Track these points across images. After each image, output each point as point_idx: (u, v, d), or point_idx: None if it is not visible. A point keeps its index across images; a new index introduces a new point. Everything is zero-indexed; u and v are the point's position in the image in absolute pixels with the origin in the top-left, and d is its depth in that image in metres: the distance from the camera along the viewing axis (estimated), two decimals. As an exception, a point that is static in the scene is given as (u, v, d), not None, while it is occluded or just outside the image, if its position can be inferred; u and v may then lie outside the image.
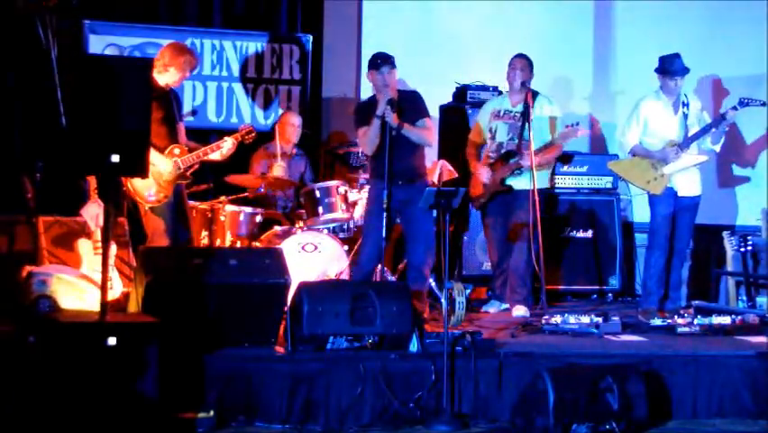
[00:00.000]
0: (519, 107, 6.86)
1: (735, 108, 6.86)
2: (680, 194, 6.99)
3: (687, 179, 7.00)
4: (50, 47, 6.92)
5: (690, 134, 6.93)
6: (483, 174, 6.90)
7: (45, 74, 6.93)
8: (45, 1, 6.67)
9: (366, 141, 6.37)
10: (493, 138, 6.96)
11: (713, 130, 6.93)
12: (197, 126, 7.74)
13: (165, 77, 6.39)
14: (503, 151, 6.87)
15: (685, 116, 6.98)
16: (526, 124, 6.71)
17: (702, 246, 8.21)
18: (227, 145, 6.53)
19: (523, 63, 6.91)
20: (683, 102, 7.01)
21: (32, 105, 7.01)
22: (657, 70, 7.01)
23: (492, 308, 6.99)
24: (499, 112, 6.96)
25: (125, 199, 6.49)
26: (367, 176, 7.04)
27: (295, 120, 7.78)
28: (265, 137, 7.63)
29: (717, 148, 7.17)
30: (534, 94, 6.86)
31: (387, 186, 6.15)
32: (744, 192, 8.62)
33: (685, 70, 6.95)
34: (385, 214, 6.14)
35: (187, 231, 6.55)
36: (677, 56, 6.96)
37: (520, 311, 6.76)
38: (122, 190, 6.30)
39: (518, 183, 6.80)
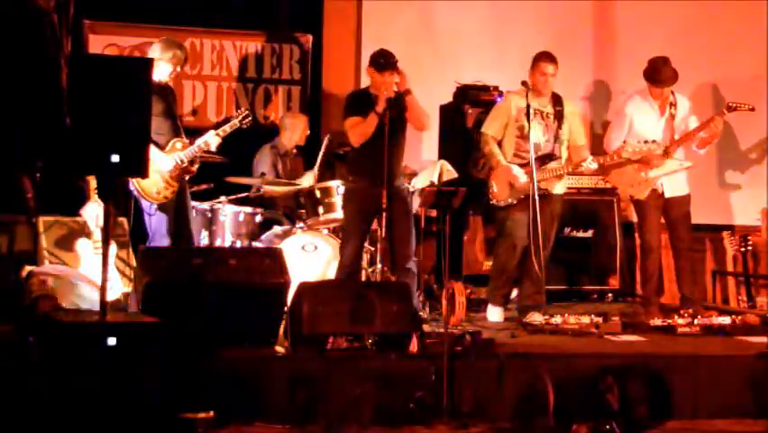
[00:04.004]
0: (549, 108, 6.67)
1: (722, 113, 6.74)
2: (667, 195, 6.87)
3: (673, 179, 6.87)
4: (57, 47, 6.94)
5: (676, 138, 6.76)
6: (521, 176, 6.57)
7: (46, 74, 6.96)
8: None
9: (358, 132, 6.24)
10: (525, 137, 6.60)
11: (700, 134, 6.76)
12: (197, 126, 7.73)
13: (156, 72, 6.38)
14: (540, 153, 6.58)
15: (672, 118, 6.86)
16: (562, 126, 6.62)
17: (702, 246, 8.20)
18: (225, 129, 6.49)
19: (556, 67, 6.66)
20: (671, 102, 6.84)
21: (33, 105, 7.03)
22: (645, 75, 6.83)
23: (495, 316, 6.74)
24: (529, 110, 6.57)
25: (130, 199, 6.45)
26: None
27: (306, 122, 7.77)
28: (261, 135, 7.65)
29: (702, 152, 7.05)
30: (557, 95, 6.71)
31: (386, 185, 6.10)
32: (744, 192, 8.61)
33: (673, 78, 6.76)
34: (384, 214, 6.11)
35: (187, 230, 6.53)
36: (666, 62, 6.77)
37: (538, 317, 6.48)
38: (126, 190, 6.27)
39: (558, 187, 6.66)
